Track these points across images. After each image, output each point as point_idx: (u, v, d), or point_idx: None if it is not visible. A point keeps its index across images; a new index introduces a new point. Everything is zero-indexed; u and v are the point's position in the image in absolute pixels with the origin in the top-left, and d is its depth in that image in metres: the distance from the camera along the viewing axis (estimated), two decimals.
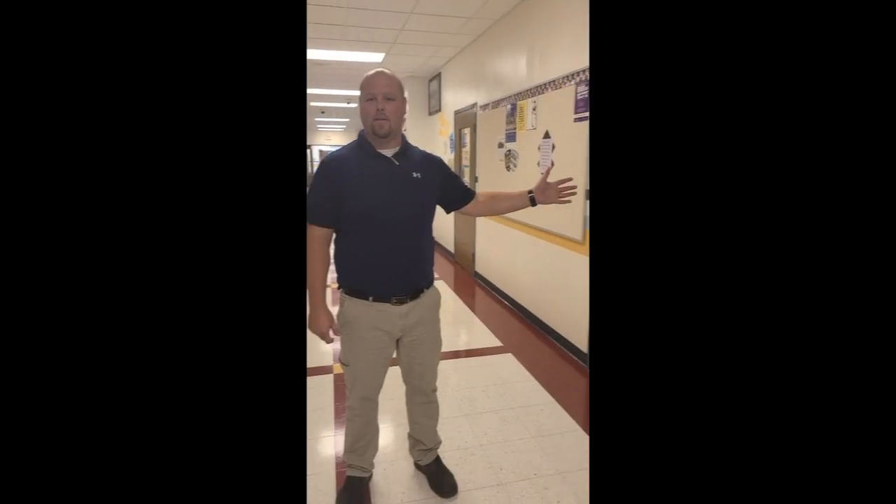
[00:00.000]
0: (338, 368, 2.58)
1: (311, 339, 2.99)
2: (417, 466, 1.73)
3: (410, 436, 1.69)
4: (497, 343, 3.00)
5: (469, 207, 1.55)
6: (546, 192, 1.47)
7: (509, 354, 2.80)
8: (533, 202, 1.48)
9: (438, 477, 1.65)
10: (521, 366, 2.66)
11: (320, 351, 2.81)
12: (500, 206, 1.58)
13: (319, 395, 2.31)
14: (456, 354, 2.82)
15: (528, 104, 3.19)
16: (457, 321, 3.45)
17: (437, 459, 1.70)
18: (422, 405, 1.61)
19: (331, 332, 1.41)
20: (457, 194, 1.53)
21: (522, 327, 3.28)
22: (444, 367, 2.69)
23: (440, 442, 1.72)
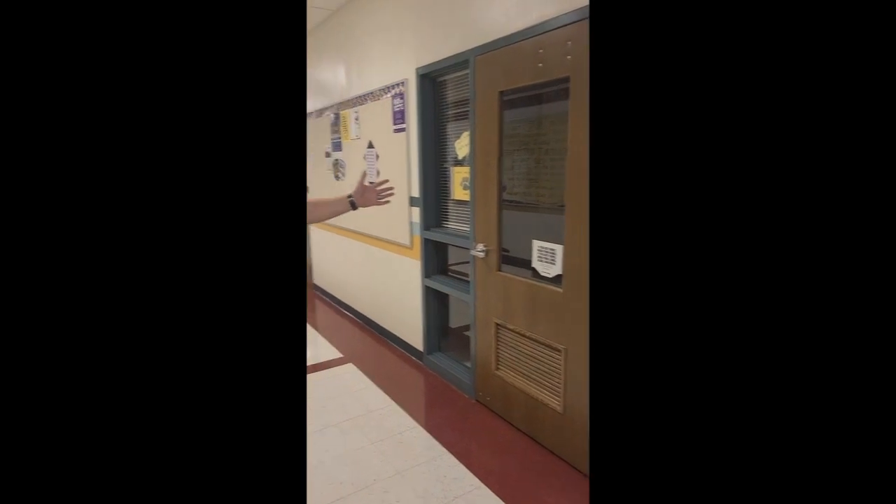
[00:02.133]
0: None
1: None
2: None
3: None
4: (338, 354, 2.97)
5: None
6: (365, 195, 1.51)
7: (350, 364, 2.81)
8: (353, 206, 1.51)
9: None
10: (361, 374, 2.68)
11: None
12: (322, 213, 1.57)
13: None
14: None
15: (350, 114, 3.22)
16: None
17: None
18: None
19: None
20: None
21: (363, 335, 3.31)
22: None
23: None
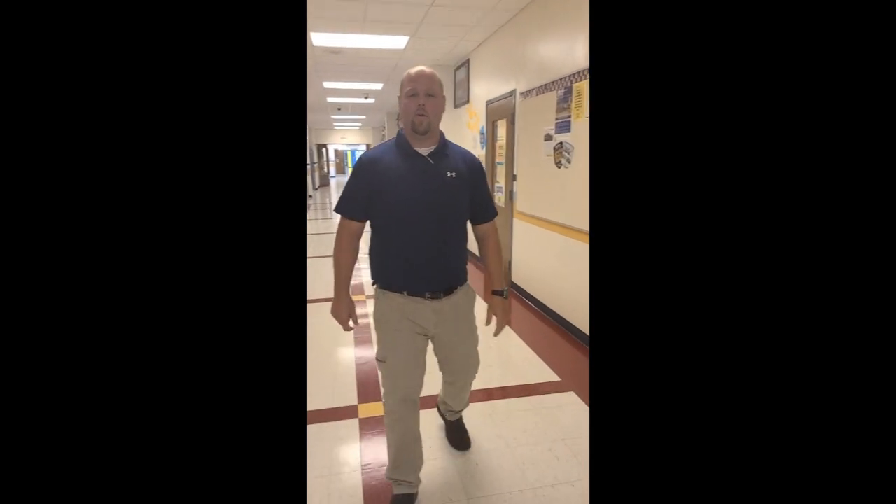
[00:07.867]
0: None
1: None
2: (442, 418, 1.90)
3: (442, 401, 1.81)
4: (553, 377, 2.46)
5: (477, 228, 1.52)
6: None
7: (571, 393, 2.27)
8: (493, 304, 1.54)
9: (458, 433, 1.84)
10: (586, 408, 2.12)
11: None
12: (483, 255, 1.56)
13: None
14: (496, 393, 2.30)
15: (587, 86, 2.65)
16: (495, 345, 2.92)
17: (460, 419, 1.87)
18: (452, 384, 1.66)
19: (350, 322, 1.44)
20: (474, 209, 1.46)
21: (581, 355, 2.74)
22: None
23: (468, 405, 1.80)
